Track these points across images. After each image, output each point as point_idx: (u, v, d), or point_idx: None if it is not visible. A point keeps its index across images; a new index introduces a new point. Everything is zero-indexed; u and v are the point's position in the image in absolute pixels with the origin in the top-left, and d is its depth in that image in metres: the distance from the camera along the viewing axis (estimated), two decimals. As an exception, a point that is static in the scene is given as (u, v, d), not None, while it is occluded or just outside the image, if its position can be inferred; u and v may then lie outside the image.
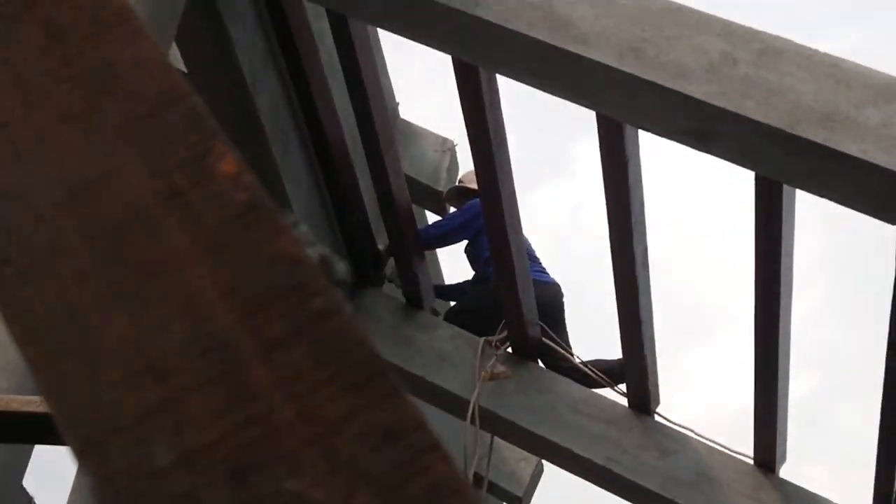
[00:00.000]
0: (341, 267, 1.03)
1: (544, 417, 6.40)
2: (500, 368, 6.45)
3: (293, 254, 0.62)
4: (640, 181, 5.59)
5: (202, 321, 0.62)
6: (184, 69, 5.81)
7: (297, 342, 0.61)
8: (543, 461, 8.14)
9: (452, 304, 7.34)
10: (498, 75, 5.50)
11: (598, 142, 5.39)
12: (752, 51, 4.64)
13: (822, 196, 4.65)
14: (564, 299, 7.02)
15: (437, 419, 7.60)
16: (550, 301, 6.84)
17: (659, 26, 4.73)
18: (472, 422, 6.31)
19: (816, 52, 4.62)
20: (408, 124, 7.24)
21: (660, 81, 4.63)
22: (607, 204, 5.63)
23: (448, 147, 7.26)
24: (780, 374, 5.85)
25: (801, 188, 4.80)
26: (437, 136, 7.30)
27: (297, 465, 0.58)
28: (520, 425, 6.41)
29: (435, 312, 7.12)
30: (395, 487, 0.59)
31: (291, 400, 0.59)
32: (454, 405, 6.54)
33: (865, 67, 4.56)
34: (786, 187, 5.08)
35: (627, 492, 6.27)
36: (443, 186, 7.23)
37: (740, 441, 6.28)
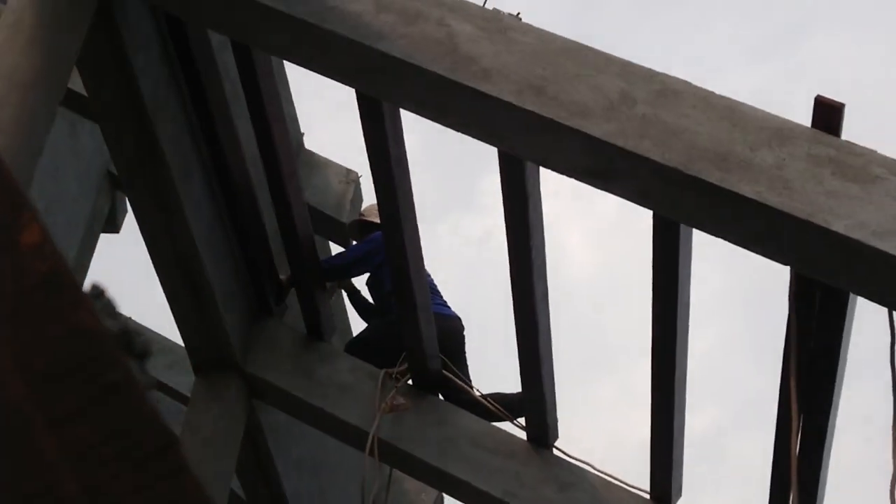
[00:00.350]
0: (141, 340, 1.03)
1: (444, 450, 6.40)
2: (400, 401, 6.45)
3: (90, 327, 0.62)
4: (541, 219, 5.62)
5: (-7, 392, 0.61)
6: (84, 93, 5.77)
7: (86, 416, 0.60)
8: (443, 494, 8.15)
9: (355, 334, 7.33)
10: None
11: (500, 179, 5.42)
12: (651, 91, 4.70)
13: (717, 236, 4.70)
14: (465, 332, 7.04)
15: (337, 451, 7.58)
16: (451, 334, 6.86)
17: (559, 65, 4.77)
18: (371, 454, 6.29)
19: (712, 93, 4.69)
20: (312, 154, 7.25)
21: (559, 119, 4.66)
22: (508, 241, 5.65)
23: (352, 178, 7.27)
24: (677, 409, 5.90)
25: (697, 228, 4.86)
26: (342, 167, 7.31)
27: (84, 541, 0.58)
28: (419, 458, 6.40)
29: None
30: (179, 568, 0.59)
31: (77, 475, 0.59)
32: (354, 437, 6.53)
33: (760, 110, 4.63)
34: (683, 226, 5.13)
35: (525, 526, 6.28)
36: (346, 217, 7.24)
37: (640, 474, 6.32)
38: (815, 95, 4.56)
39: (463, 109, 4.85)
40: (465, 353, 6.95)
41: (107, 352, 0.61)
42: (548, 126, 4.68)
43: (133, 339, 0.96)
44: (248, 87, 5.87)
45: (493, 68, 4.79)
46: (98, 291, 0.94)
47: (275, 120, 5.97)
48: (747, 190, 4.45)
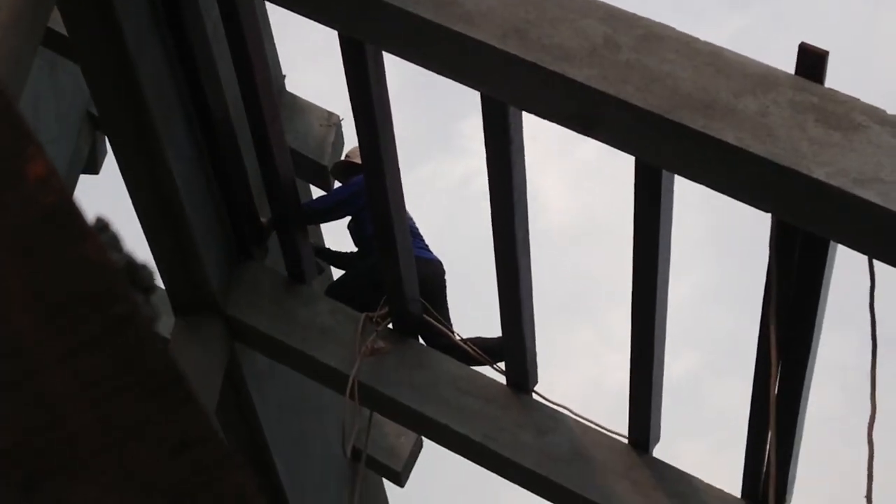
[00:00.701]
0: (146, 273, 1.03)
1: (423, 394, 6.42)
2: (381, 344, 6.47)
3: (97, 259, 0.62)
4: (523, 163, 5.61)
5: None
6: (65, 33, 5.73)
7: (97, 347, 0.61)
8: (423, 437, 8.19)
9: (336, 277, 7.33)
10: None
11: (482, 122, 5.41)
12: (634, 36, 4.69)
13: (698, 182, 4.71)
14: (447, 276, 7.05)
15: (318, 394, 7.61)
16: (432, 278, 6.87)
17: (543, 8, 4.76)
18: (352, 397, 6.31)
19: (697, 39, 4.68)
20: (294, 98, 7.22)
21: (542, 63, 4.65)
22: (490, 184, 5.65)
23: (334, 121, 7.25)
24: (656, 355, 5.93)
25: (679, 174, 4.86)
26: (323, 111, 7.29)
27: (92, 473, 0.58)
28: (399, 401, 6.43)
29: (320, 269, 7.11)
30: (188, 497, 0.59)
31: (89, 406, 0.59)
32: (334, 380, 6.55)
33: (744, 57, 4.62)
34: (665, 172, 5.14)
35: (504, 469, 6.32)
36: (328, 161, 7.23)
37: (619, 420, 6.36)
38: (799, 42, 4.56)
39: (446, 52, 4.84)
40: (446, 296, 6.97)
41: (114, 285, 0.61)
42: (531, 70, 4.67)
43: (138, 272, 0.96)
44: (231, 28, 5.84)
45: (477, 11, 4.77)
46: (102, 224, 0.95)
47: (257, 62, 5.95)
48: (730, 137, 4.45)
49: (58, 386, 0.61)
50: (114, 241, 0.94)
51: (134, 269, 0.93)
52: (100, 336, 0.61)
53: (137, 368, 0.60)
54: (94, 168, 9.55)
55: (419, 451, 8.59)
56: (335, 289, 7.04)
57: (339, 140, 7.30)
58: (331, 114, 7.28)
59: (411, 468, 8.54)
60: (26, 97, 7.92)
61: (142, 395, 0.61)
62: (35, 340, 0.61)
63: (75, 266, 0.62)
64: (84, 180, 9.48)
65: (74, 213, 0.64)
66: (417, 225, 7.11)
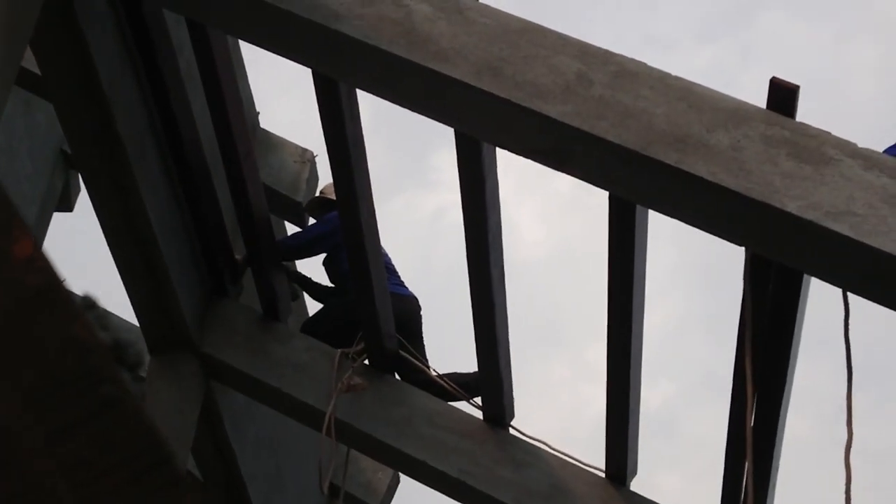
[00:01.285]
0: (133, 351, 1.02)
1: (400, 430, 6.42)
2: (357, 380, 6.46)
3: (83, 340, 0.62)
4: (497, 200, 5.63)
5: (-14, 408, 0.61)
6: (38, 72, 5.72)
7: (81, 430, 0.61)
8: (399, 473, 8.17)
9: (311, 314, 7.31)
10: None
11: (457, 159, 5.42)
12: (608, 73, 4.71)
13: (673, 217, 4.72)
14: (422, 312, 7.05)
15: (294, 430, 7.58)
16: (408, 313, 6.87)
17: (517, 45, 4.78)
18: (329, 434, 6.29)
19: (669, 75, 4.70)
20: (268, 134, 7.22)
21: (517, 100, 4.67)
22: (465, 222, 5.66)
23: (308, 158, 7.26)
24: (633, 389, 5.94)
25: (653, 209, 4.88)
26: (297, 147, 7.29)
27: (80, 556, 0.58)
28: (376, 437, 6.42)
29: (294, 295, 7.10)
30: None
31: (74, 489, 0.59)
32: (311, 417, 6.53)
33: (716, 91, 4.65)
34: (639, 207, 5.16)
35: (481, 504, 6.32)
36: (302, 197, 7.23)
37: (596, 452, 6.36)
38: (770, 77, 4.59)
39: (420, 90, 4.85)
40: (421, 332, 6.97)
41: (102, 365, 0.62)
42: (505, 107, 4.69)
43: (125, 350, 0.96)
44: (204, 66, 5.85)
45: (452, 49, 4.78)
46: (90, 302, 0.94)
47: (230, 100, 5.96)
48: (704, 171, 4.47)
49: (44, 466, 0.60)
50: (101, 319, 0.94)
51: (121, 347, 0.93)
52: (83, 419, 0.61)
53: (124, 449, 0.60)
54: (67, 205, 9.53)
55: (396, 486, 8.57)
56: (310, 325, 7.03)
57: (313, 176, 7.30)
58: (304, 150, 7.29)
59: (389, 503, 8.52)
60: (0, 134, 7.91)
61: (126, 478, 0.61)
62: (22, 422, 0.61)
63: (64, 346, 0.62)
64: (57, 218, 9.46)
65: (62, 292, 0.65)
66: (392, 259, 7.11)
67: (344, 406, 6.43)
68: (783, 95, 4.58)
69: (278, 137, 7.23)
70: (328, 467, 6.60)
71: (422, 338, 6.95)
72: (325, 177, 7.28)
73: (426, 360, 6.81)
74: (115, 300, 9.99)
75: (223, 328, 6.65)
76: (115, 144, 5.65)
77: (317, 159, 7.34)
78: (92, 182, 5.93)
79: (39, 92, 6.73)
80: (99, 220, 6.06)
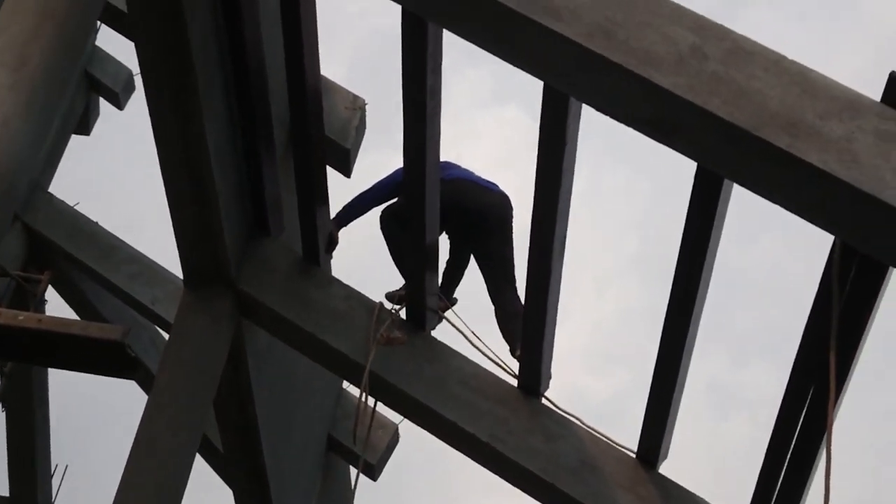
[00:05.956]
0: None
1: (433, 388, 6.34)
2: (397, 334, 6.37)
3: None
4: (573, 165, 5.54)
5: None
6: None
7: None
8: (401, 433, 8.13)
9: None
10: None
11: (540, 118, 5.33)
12: (723, 49, 4.63)
13: (772, 201, 4.65)
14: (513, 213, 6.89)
15: (306, 373, 7.49)
16: (491, 207, 6.75)
17: (632, 11, 4.69)
18: (365, 388, 6.21)
19: (784, 58, 4.63)
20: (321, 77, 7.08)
21: (628, 66, 4.58)
22: (536, 182, 5.56)
23: (359, 105, 7.14)
24: (681, 373, 5.88)
25: (754, 191, 4.80)
26: (349, 93, 7.18)
27: None
28: (407, 393, 6.34)
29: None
30: None
31: None
32: (343, 366, 6.44)
33: (832, 80, 4.58)
34: (726, 183, 5.11)
35: (508, 471, 6.25)
36: (350, 144, 7.11)
37: (627, 432, 6.31)
38: (889, 72, 4.53)
39: (529, 46, 4.75)
40: (510, 231, 6.81)
41: None
42: (616, 71, 4.60)
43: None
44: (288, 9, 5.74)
45: (565, 6, 4.69)
46: None
47: (308, 52, 5.84)
48: (815, 159, 4.40)
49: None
50: None
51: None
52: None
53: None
54: (85, 129, 9.36)
55: (395, 445, 8.50)
56: (388, 217, 6.85)
57: (362, 124, 7.18)
58: (356, 97, 7.16)
59: (386, 462, 8.45)
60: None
61: None
62: None
63: None
64: (74, 140, 9.28)
65: None
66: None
67: (377, 358, 6.34)
68: (901, 91, 4.52)
69: (331, 82, 7.09)
70: (358, 423, 6.52)
71: (510, 236, 6.79)
72: (372, 126, 7.17)
73: (513, 263, 6.69)
74: (118, 225, 9.83)
75: (262, 267, 6.54)
76: (188, 69, 5.52)
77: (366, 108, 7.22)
78: (155, 102, 5.78)
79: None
80: (155, 140, 5.90)
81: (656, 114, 4.63)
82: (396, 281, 6.80)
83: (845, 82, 4.58)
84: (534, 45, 4.73)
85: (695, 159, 4.81)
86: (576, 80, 4.76)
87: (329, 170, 6.75)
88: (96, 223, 8.89)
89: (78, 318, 8.88)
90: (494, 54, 4.92)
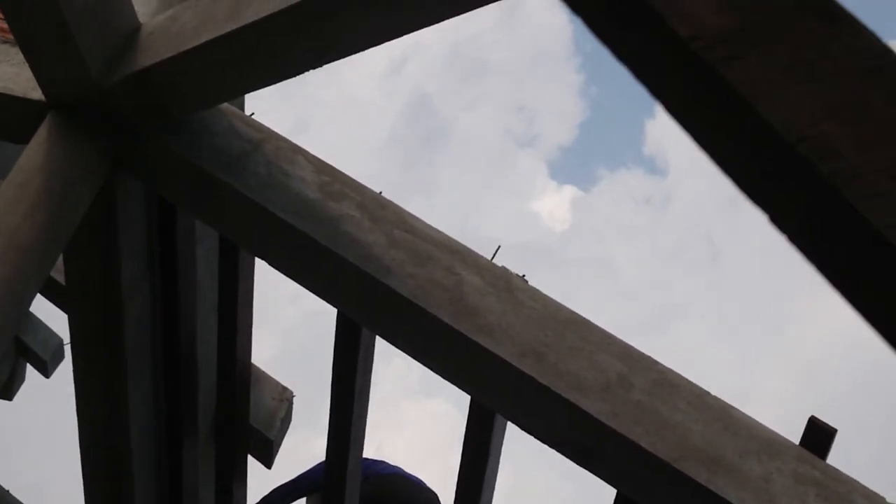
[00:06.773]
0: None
1: None
2: None
3: None
4: (494, 482, 5.57)
5: None
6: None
7: None
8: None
9: None
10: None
11: (465, 427, 5.39)
12: (649, 379, 4.73)
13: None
14: None
15: None
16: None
17: (563, 335, 4.80)
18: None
19: (708, 393, 4.74)
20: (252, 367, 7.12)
21: (556, 389, 4.66)
22: (457, 494, 5.58)
23: (287, 397, 7.15)
24: None
25: (668, 521, 4.83)
26: (278, 384, 7.19)
27: None
28: None
29: None
30: None
31: None
32: None
33: (752, 419, 4.69)
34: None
35: None
36: (274, 436, 7.08)
37: None
38: (809, 416, 4.65)
39: (459, 360, 4.83)
40: None
41: None
42: (543, 393, 4.67)
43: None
44: (226, 287, 5.81)
45: (498, 325, 4.79)
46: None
47: (243, 329, 5.90)
48: (733, 497, 4.46)
49: None
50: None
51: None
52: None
53: None
54: (8, 394, 9.29)
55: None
56: None
57: (287, 416, 7.18)
58: (285, 388, 7.18)
59: None
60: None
61: None
62: None
63: None
64: (-7, 404, 9.20)
65: None
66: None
67: None
68: (818, 436, 4.63)
69: (261, 371, 7.12)
70: None
71: None
72: (298, 419, 7.17)
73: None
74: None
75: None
76: (119, 351, 5.54)
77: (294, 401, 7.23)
78: (82, 380, 5.77)
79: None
80: (79, 418, 5.88)
81: (579, 438, 4.69)
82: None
83: (766, 402, 4.70)
84: (466, 362, 4.80)
85: (613, 485, 4.85)
86: (503, 397, 4.83)
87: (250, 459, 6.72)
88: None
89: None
90: (426, 366, 4.99)
